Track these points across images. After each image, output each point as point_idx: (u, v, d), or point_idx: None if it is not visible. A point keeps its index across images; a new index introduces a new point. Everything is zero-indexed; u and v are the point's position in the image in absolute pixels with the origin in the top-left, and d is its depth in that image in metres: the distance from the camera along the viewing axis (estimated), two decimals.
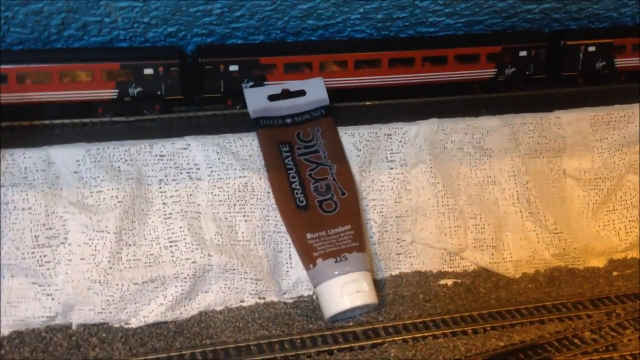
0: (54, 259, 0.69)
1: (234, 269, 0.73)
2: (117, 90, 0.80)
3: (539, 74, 0.93)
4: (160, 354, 0.65)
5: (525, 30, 0.96)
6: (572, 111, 0.86)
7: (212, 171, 0.75)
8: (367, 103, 0.88)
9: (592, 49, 0.95)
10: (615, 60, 0.96)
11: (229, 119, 0.84)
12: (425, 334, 0.69)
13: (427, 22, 0.93)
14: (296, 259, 0.76)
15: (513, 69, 0.92)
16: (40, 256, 0.69)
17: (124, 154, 0.73)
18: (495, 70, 0.91)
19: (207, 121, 0.84)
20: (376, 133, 0.80)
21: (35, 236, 0.69)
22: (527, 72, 0.93)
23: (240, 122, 0.82)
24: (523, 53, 0.92)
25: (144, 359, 0.64)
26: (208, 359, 0.65)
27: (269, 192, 0.75)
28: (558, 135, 0.84)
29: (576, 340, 0.68)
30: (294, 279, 0.76)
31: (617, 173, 0.86)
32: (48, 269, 0.69)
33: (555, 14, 0.95)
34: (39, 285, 0.69)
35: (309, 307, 0.74)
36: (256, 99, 0.80)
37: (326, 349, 0.67)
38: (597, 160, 0.86)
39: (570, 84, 0.96)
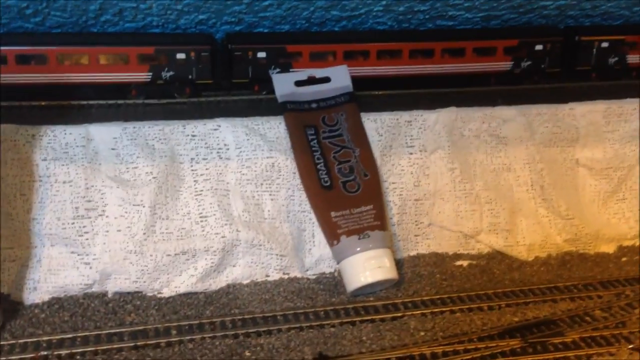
0: (93, 229, 0.73)
1: (260, 245, 0.77)
2: (151, 74, 0.84)
3: (554, 67, 0.97)
4: (192, 320, 0.69)
5: (541, 25, 1.00)
6: (585, 103, 0.89)
7: (241, 151, 0.79)
8: (389, 92, 0.92)
9: (605, 45, 0.98)
10: (627, 56, 0.99)
11: (256, 103, 0.88)
12: (443, 309, 0.72)
13: (446, 16, 0.96)
14: (319, 238, 0.79)
15: (529, 63, 0.95)
16: (80, 227, 0.72)
17: (158, 133, 0.77)
18: (512, 63, 0.95)
19: (234, 105, 0.87)
20: (397, 119, 0.84)
21: (75, 208, 0.72)
22: (542, 66, 0.96)
23: (265, 107, 0.85)
24: (539, 47, 0.95)
25: (178, 325, 0.68)
26: (237, 327, 0.68)
27: (294, 173, 0.79)
28: (572, 126, 0.88)
29: (587, 318, 0.71)
30: (317, 256, 0.80)
31: (627, 163, 0.89)
32: (87, 239, 0.72)
33: (570, 10, 0.99)
34: (78, 255, 0.72)
35: (331, 283, 0.78)
36: (283, 84, 0.83)
37: (349, 320, 0.70)
38: (608, 150, 0.89)
39: (583, 78, 0.99)
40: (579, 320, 0.71)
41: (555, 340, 0.67)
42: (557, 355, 0.65)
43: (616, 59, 0.99)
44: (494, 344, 0.66)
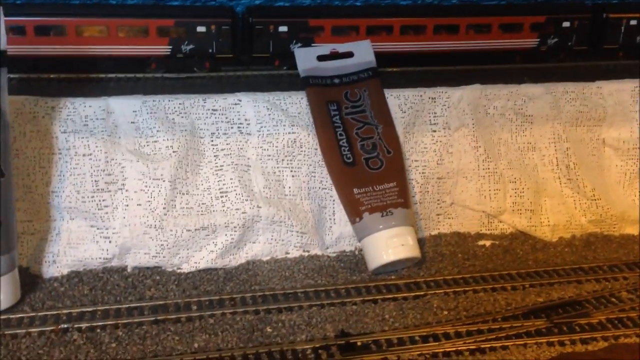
0: (112, 203, 0.72)
1: (280, 222, 0.76)
2: (171, 47, 0.83)
3: (581, 45, 0.94)
4: (212, 296, 0.68)
5: (568, 2, 0.97)
6: (613, 82, 0.87)
7: (262, 126, 0.77)
8: (412, 68, 0.90)
9: (633, 22, 0.95)
10: None
11: (276, 78, 0.86)
12: (466, 289, 0.71)
13: None
14: (339, 215, 0.78)
15: (555, 40, 0.93)
16: (99, 200, 0.72)
17: (179, 107, 0.76)
18: (538, 40, 0.93)
19: (255, 80, 0.86)
20: (421, 96, 0.82)
21: (95, 181, 0.72)
22: (569, 43, 0.94)
23: (286, 82, 0.84)
24: (566, 24, 0.93)
25: (198, 300, 0.67)
26: (258, 303, 0.68)
27: (316, 149, 0.78)
28: (599, 105, 0.86)
29: (613, 299, 0.70)
30: (337, 234, 0.79)
31: None
32: (106, 212, 0.72)
33: None
34: (97, 229, 0.72)
35: (352, 261, 0.77)
36: (306, 59, 0.82)
37: (371, 298, 0.69)
38: (635, 130, 0.87)
39: (610, 57, 0.96)
40: (605, 301, 0.70)
41: (582, 321, 0.66)
42: (584, 336, 0.64)
43: None
44: (519, 324, 0.65)
